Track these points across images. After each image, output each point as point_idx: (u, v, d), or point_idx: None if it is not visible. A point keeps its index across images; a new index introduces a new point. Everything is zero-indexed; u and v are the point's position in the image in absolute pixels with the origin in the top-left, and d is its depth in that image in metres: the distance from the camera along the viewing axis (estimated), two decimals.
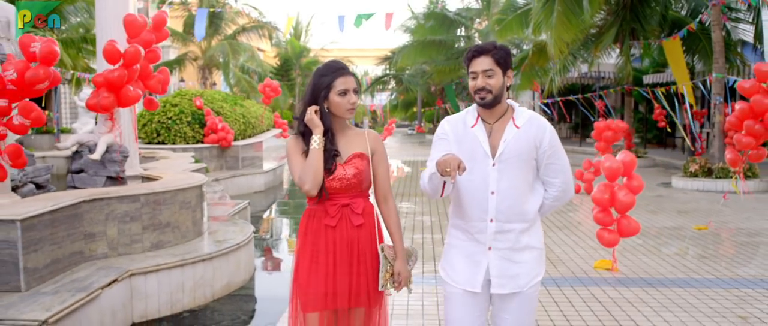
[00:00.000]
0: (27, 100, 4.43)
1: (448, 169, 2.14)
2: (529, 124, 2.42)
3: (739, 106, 7.34)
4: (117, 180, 5.90)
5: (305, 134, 2.49)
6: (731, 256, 6.20)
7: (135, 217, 4.92)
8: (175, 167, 7.26)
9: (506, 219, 2.40)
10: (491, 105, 2.39)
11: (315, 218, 2.51)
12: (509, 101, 2.48)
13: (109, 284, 4.15)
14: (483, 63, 2.35)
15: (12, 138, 4.82)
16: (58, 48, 4.56)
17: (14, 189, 5.45)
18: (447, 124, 2.53)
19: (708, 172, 11.67)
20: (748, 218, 8.32)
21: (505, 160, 2.39)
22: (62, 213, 4.30)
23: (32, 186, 5.87)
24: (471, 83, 2.39)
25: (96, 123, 7.53)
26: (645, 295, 4.81)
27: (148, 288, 4.55)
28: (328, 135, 2.47)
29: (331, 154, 2.46)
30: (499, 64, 2.36)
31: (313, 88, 2.47)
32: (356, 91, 2.50)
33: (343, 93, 2.46)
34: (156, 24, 5.91)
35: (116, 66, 5.48)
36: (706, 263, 5.85)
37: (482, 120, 2.45)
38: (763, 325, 4.17)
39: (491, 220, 2.40)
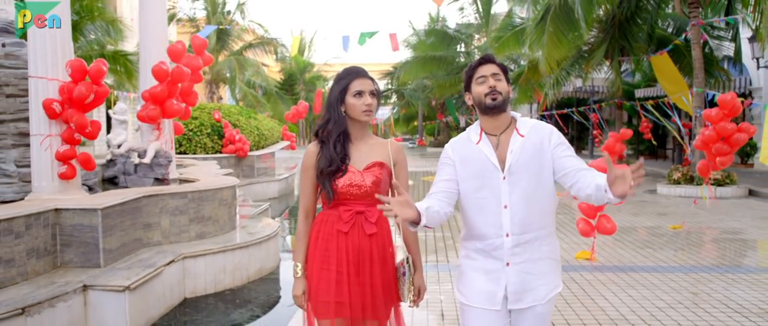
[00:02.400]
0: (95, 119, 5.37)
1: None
2: (532, 131, 2.38)
3: (706, 131, 8.17)
4: (163, 181, 6.80)
5: (324, 141, 2.48)
6: (696, 249, 7.07)
7: (183, 211, 5.80)
8: (206, 172, 8.14)
9: (521, 232, 2.31)
10: (501, 107, 2.34)
11: (328, 223, 2.47)
12: (512, 113, 2.45)
13: (168, 263, 5.03)
14: (492, 68, 2.36)
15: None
16: (105, 68, 5.53)
17: None
18: (450, 147, 2.46)
19: (690, 179, 12.58)
20: (720, 219, 9.20)
21: (516, 172, 2.32)
22: (129, 205, 5.20)
23: (86, 187, 6.78)
24: (479, 88, 2.34)
25: (129, 134, 8.48)
26: (615, 278, 5.69)
27: (197, 269, 5.42)
28: (341, 138, 2.46)
29: (337, 166, 2.43)
30: (504, 72, 2.40)
31: (331, 91, 2.49)
32: (374, 94, 2.46)
33: (359, 94, 2.43)
34: (197, 49, 6.87)
35: (162, 83, 6.43)
36: (674, 254, 6.72)
37: (487, 134, 2.40)
38: (710, 298, 5.04)
39: (507, 235, 2.31)
